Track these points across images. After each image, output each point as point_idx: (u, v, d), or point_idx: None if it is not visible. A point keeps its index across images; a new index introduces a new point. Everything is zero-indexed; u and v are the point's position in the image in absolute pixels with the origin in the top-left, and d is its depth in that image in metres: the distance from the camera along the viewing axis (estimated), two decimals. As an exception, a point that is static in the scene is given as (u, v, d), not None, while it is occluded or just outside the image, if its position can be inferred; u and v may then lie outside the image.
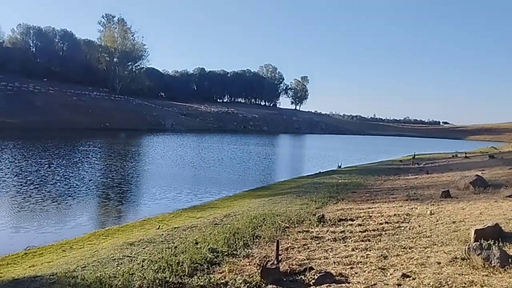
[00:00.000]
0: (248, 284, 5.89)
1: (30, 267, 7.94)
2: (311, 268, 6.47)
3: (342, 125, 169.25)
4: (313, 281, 5.87)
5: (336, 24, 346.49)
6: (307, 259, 7.07)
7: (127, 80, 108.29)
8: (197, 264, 6.90)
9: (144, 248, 8.24)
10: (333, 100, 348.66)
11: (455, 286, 5.36)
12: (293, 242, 8.31)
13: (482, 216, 9.46)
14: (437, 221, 9.55)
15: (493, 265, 5.93)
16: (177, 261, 6.95)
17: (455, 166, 26.87)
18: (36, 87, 79.02)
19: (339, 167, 30.88)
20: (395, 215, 10.62)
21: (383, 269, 6.30)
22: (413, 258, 6.72)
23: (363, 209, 11.74)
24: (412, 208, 11.45)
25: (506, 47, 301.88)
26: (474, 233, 7.04)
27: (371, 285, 5.56)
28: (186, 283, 6.08)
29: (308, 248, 7.88)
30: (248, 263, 7.01)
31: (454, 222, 9.13)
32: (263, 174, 29.26)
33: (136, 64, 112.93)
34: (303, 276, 6.20)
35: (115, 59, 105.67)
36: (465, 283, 5.43)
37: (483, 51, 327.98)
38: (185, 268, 6.62)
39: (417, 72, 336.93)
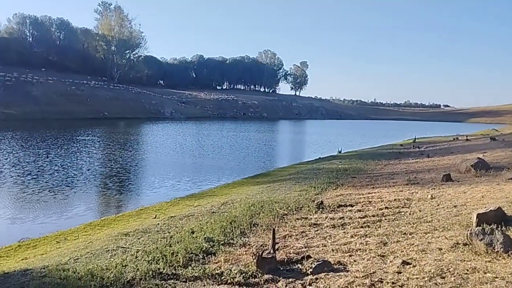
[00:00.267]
0: (243, 274, 5.71)
1: (22, 259, 7.79)
2: (308, 257, 6.29)
3: (343, 110, 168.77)
4: (311, 270, 5.69)
5: (334, 8, 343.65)
6: (305, 247, 6.89)
7: (125, 69, 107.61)
8: (192, 254, 6.72)
9: (139, 239, 8.07)
10: (333, 85, 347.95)
11: (457, 273, 5.17)
12: (291, 230, 8.13)
13: (484, 200, 9.28)
14: (438, 205, 9.37)
15: (496, 250, 5.74)
16: (171, 251, 6.77)
17: (456, 149, 26.68)
18: (35, 77, 78.44)
19: (340, 152, 30.66)
20: (395, 200, 10.43)
21: (383, 256, 6.12)
22: (413, 244, 6.53)
23: (363, 195, 11.55)
24: (412, 193, 11.26)
25: (506, 29, 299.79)
26: (476, 218, 6.86)
27: (370, 274, 5.38)
28: (180, 274, 5.91)
29: (306, 235, 7.70)
30: (244, 252, 6.83)
31: (455, 206, 8.95)
32: (263, 161, 29.09)
33: (134, 52, 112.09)
34: (300, 265, 6.01)
35: (112, 48, 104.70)
36: (467, 270, 5.25)
37: (484, 33, 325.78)
38: (179, 258, 6.45)
39: (417, 56, 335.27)
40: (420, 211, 8.98)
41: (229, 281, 5.60)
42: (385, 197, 10.87)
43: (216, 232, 7.92)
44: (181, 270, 6.06)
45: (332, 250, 6.61)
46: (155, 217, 10.78)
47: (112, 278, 5.68)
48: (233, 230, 8.12)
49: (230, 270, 5.89)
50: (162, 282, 5.66)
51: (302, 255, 6.39)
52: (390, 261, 5.84)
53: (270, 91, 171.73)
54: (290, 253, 6.59)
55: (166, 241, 7.58)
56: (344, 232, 7.69)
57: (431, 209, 9.00)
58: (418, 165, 18.74)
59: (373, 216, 8.81)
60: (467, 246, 6.08)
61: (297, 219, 9.00)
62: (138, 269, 6.02)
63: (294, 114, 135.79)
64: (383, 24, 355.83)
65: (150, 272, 5.90)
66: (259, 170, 23.33)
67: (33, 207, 14.70)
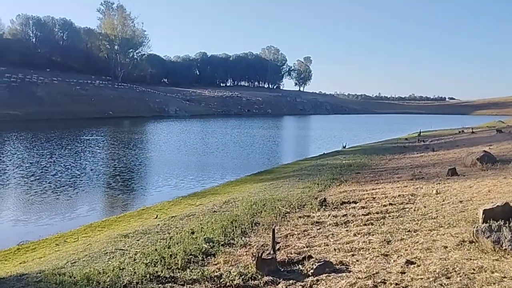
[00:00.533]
0: (243, 277, 5.56)
1: (20, 263, 7.68)
2: (310, 257, 6.12)
3: (347, 105, 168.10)
4: (312, 271, 5.52)
5: (337, 3, 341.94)
6: (307, 247, 6.73)
7: (129, 68, 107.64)
8: (191, 256, 6.58)
9: (138, 240, 7.94)
10: (337, 80, 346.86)
11: (463, 272, 4.99)
12: (293, 229, 7.97)
13: (491, 194, 9.07)
14: (443, 201, 9.17)
15: (504, 248, 5.54)
16: (170, 253, 6.63)
17: (462, 142, 26.40)
18: (40, 78, 78.69)
19: (344, 147, 30.44)
20: (399, 195, 10.24)
21: (386, 255, 5.94)
22: (418, 242, 6.35)
23: (366, 191, 11.36)
24: (417, 188, 11.06)
25: (510, 21, 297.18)
26: (483, 213, 6.64)
27: (373, 274, 5.21)
28: (178, 277, 5.77)
29: (308, 234, 7.53)
30: (245, 253, 6.68)
31: (461, 202, 8.75)
32: (267, 158, 28.93)
33: (137, 51, 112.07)
34: (301, 266, 5.85)
35: (116, 47, 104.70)
36: (473, 269, 5.07)
37: (489, 24, 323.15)
38: (178, 260, 6.30)
39: (422, 49, 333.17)
40: (424, 207, 8.78)
41: (228, 283, 5.45)
42: (389, 193, 10.68)
43: (216, 232, 7.78)
44: (179, 273, 5.92)
45: (334, 249, 6.44)
46: (156, 217, 10.66)
47: (108, 283, 5.55)
48: (234, 230, 7.98)
49: (229, 272, 5.74)
50: (159, 285, 5.52)
51: (303, 255, 6.22)
52: (394, 261, 5.66)
53: (274, 87, 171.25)
54: (291, 253, 6.43)
55: (166, 243, 7.44)
56: (347, 230, 7.51)
57: (436, 205, 8.80)
58: (423, 159, 18.51)
59: (377, 213, 8.63)
60: (473, 243, 5.89)
61: (300, 217, 8.83)
62: (135, 272, 5.88)
63: (298, 109, 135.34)
64: (387, 18, 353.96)
65: (148, 276, 5.77)
66: (262, 167, 23.16)
67: (35, 208, 14.63)
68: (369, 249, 6.28)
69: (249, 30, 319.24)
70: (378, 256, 5.90)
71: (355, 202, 9.94)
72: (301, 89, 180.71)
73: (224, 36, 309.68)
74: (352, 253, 6.21)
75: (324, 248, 6.57)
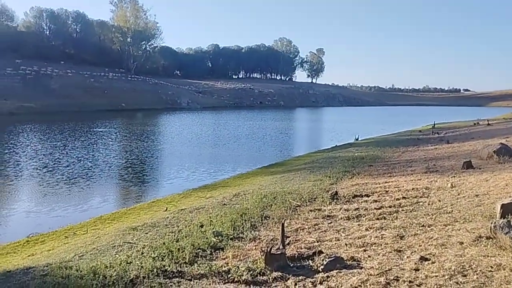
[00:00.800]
0: (251, 272, 5.42)
1: (29, 256, 7.66)
2: (320, 252, 5.97)
3: (360, 97, 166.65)
4: (322, 267, 5.37)
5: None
6: (317, 241, 6.57)
7: (142, 60, 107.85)
8: (199, 250, 6.47)
9: (146, 233, 7.86)
10: (350, 71, 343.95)
11: (480, 270, 4.79)
12: (304, 222, 7.81)
13: (508, 188, 8.81)
14: (458, 194, 8.93)
15: (523, 245, 5.32)
16: (178, 247, 6.53)
17: (477, 134, 25.95)
18: (54, 70, 79.35)
19: (356, 139, 30.13)
20: (413, 189, 10.02)
21: (399, 251, 5.76)
22: (432, 237, 6.15)
23: (379, 184, 11.15)
24: (431, 181, 10.82)
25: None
26: (500, 208, 6.42)
27: (386, 271, 5.04)
28: (186, 272, 5.66)
29: (319, 228, 7.37)
30: (254, 247, 6.55)
31: (477, 196, 8.50)
32: (279, 150, 28.76)
33: (149, 43, 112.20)
34: (311, 261, 5.70)
35: (128, 39, 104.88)
36: (491, 267, 4.86)
37: (505, 13, 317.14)
38: (186, 254, 6.20)
39: (436, 39, 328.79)
40: (439, 201, 8.56)
41: (236, 279, 5.32)
42: (403, 186, 10.46)
43: (225, 226, 7.66)
44: (186, 267, 5.81)
45: (346, 244, 6.28)
46: (165, 210, 10.58)
47: (114, 277, 5.47)
48: (243, 224, 7.85)
49: (238, 267, 5.61)
50: (166, 280, 5.42)
51: (313, 250, 6.07)
52: (407, 257, 5.48)
53: (287, 79, 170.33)
54: (301, 248, 6.28)
55: (174, 236, 7.35)
56: (358, 225, 7.34)
57: (451, 199, 8.57)
58: (437, 152, 18.19)
59: (390, 207, 8.43)
60: (490, 240, 5.67)
61: (310, 210, 8.67)
62: (142, 266, 5.79)
63: (311, 101, 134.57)
64: (401, 9, 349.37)
65: (155, 270, 5.67)
66: (274, 160, 22.99)
67: (48, 200, 14.69)
68: (381, 245, 6.10)
69: (261, 22, 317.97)
70: (391, 252, 5.72)
71: (367, 196, 9.74)
72: (314, 81, 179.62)
73: (236, 28, 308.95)
74: (364, 248, 6.04)
75: (335, 243, 6.41)
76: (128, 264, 5.95)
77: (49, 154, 24.19)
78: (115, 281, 5.38)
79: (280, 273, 5.35)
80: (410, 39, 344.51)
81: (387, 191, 10.03)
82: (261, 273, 5.40)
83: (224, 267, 5.71)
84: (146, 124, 49.39)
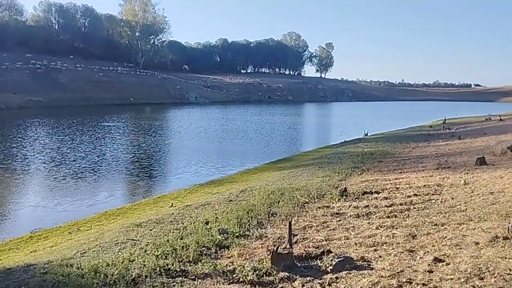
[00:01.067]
0: (257, 272, 5.22)
1: (31, 252, 7.52)
2: (329, 251, 5.75)
3: (369, 92, 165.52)
4: (331, 267, 5.15)
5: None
6: (326, 240, 6.35)
7: (150, 54, 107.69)
8: (204, 248, 6.28)
9: (151, 230, 7.68)
10: (359, 66, 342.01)
11: (498, 273, 4.54)
12: (312, 220, 7.59)
13: (524, 186, 8.51)
14: (472, 192, 8.65)
15: (542, 246, 5.07)
16: (182, 244, 6.35)
17: (489, 130, 25.52)
18: (64, 64, 79.62)
19: (366, 135, 29.78)
20: (424, 186, 9.75)
21: (412, 251, 5.52)
22: (446, 237, 5.90)
23: (389, 180, 10.89)
24: (443, 178, 10.53)
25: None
26: (517, 207, 6.16)
27: (398, 273, 4.81)
28: (189, 271, 5.47)
29: (327, 226, 7.15)
30: (260, 246, 6.34)
31: (491, 193, 8.22)
32: (287, 145, 28.53)
33: (158, 38, 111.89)
34: (319, 261, 5.48)
35: (137, 33, 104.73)
36: (509, 269, 4.61)
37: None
38: (190, 253, 6.01)
39: (447, 34, 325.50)
40: (452, 198, 8.29)
41: (241, 279, 5.12)
42: (414, 183, 10.19)
43: (231, 223, 7.46)
44: (190, 266, 5.63)
45: (355, 243, 6.05)
46: (171, 206, 10.41)
47: (116, 275, 5.30)
48: (250, 221, 7.65)
49: (243, 266, 5.41)
50: (169, 279, 5.24)
51: (322, 250, 5.85)
52: (420, 258, 5.24)
53: (295, 73, 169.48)
54: (309, 247, 6.06)
55: (179, 233, 7.17)
56: (368, 223, 7.10)
57: (464, 197, 8.30)
58: (449, 148, 17.86)
59: (401, 204, 8.18)
60: (507, 240, 5.42)
61: (319, 207, 8.44)
62: (145, 265, 5.62)
63: (319, 96, 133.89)
64: (410, 3, 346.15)
65: (158, 269, 5.49)
66: (282, 155, 22.76)
67: (54, 194, 14.62)
68: (392, 244, 5.87)
69: (270, 16, 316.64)
70: (402, 252, 5.49)
71: (377, 193, 9.49)
72: (323, 75, 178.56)
73: (245, 23, 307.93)
74: (374, 248, 5.81)
75: (344, 242, 6.18)
76: (130, 262, 5.77)
77: (57, 148, 24.18)
78: (116, 280, 5.21)
79: (287, 274, 5.15)
80: (420, 34, 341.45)
81: (397, 188, 9.77)
82: (267, 273, 5.20)
83: (229, 266, 5.51)
84: (154, 119, 49.34)
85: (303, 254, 5.77)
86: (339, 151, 20.05)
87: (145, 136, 31.42)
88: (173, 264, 5.65)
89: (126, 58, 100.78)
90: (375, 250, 5.69)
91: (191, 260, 5.82)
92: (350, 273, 4.97)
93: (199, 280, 5.20)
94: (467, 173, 10.84)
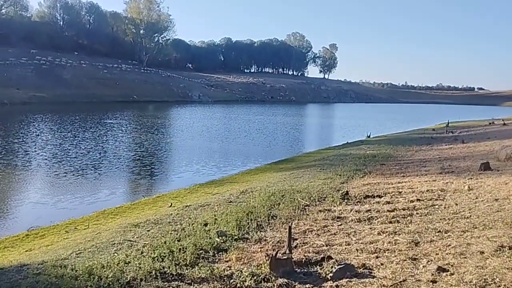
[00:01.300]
0: (255, 278, 5.08)
1: (26, 251, 7.40)
2: (329, 257, 5.60)
3: (372, 93, 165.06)
4: (331, 274, 5.00)
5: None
6: (326, 245, 6.21)
7: (154, 52, 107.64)
8: (202, 251, 6.15)
9: (148, 231, 7.55)
10: (363, 68, 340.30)
11: (505, 285, 4.39)
12: (312, 224, 7.45)
13: (530, 193, 8.34)
14: (476, 198, 8.48)
15: (550, 257, 4.91)
16: (180, 247, 6.22)
17: (493, 134, 25.30)
18: (68, 61, 79.67)
19: (368, 137, 29.62)
20: (428, 191, 9.59)
21: (415, 259, 5.37)
22: (450, 245, 5.74)
23: (392, 184, 10.73)
24: (447, 183, 10.37)
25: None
26: (523, 216, 6.00)
27: (400, 282, 4.66)
28: (186, 275, 5.34)
29: (328, 231, 7.00)
30: (259, 249, 6.21)
31: (496, 200, 8.05)
32: (289, 146, 28.37)
33: (162, 36, 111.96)
34: (319, 268, 5.34)
35: (141, 31, 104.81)
36: (516, 281, 4.46)
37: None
38: (187, 256, 5.87)
39: (451, 37, 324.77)
40: (456, 204, 8.13)
41: (238, 284, 4.99)
42: (417, 188, 10.03)
43: (230, 225, 7.32)
44: (187, 269, 5.49)
45: (357, 249, 5.90)
46: (170, 206, 10.28)
47: (110, 278, 5.16)
48: (249, 223, 7.51)
49: (241, 271, 5.28)
50: (164, 283, 5.10)
51: (322, 255, 5.71)
52: (423, 266, 5.09)
53: (299, 74, 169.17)
54: (309, 252, 5.92)
55: (176, 235, 7.03)
56: (370, 228, 6.95)
57: (468, 203, 8.14)
58: (452, 152, 17.68)
59: (403, 209, 8.02)
60: (514, 250, 5.26)
61: (320, 211, 8.30)
62: (140, 267, 5.48)
63: (322, 97, 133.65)
64: (414, 3, 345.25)
65: (153, 272, 5.36)
66: (284, 155, 22.62)
67: (54, 191, 14.50)
68: (395, 251, 5.72)
69: (274, 16, 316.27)
70: (405, 260, 5.33)
71: (379, 196, 9.34)
72: (326, 76, 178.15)
73: (249, 22, 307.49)
74: (376, 254, 5.66)
75: (345, 248, 6.04)
76: (126, 265, 5.64)
77: (59, 145, 24.11)
78: (110, 283, 5.08)
79: (285, 280, 5.01)
80: (424, 37, 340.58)
81: (400, 192, 9.62)
82: (266, 279, 5.06)
83: (227, 271, 5.38)
84: (157, 117, 49.25)
85: (303, 260, 5.63)
86: (341, 153, 19.90)
87: (147, 134, 31.31)
88: (169, 267, 5.52)
89: (130, 55, 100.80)
90: (377, 257, 5.54)
91: (188, 263, 5.69)
92: (350, 281, 4.83)
93: (195, 285, 5.07)
94: (471, 179, 10.67)
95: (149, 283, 5.09)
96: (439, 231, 6.46)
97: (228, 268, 5.46)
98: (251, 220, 7.70)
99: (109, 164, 19.42)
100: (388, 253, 5.68)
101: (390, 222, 7.22)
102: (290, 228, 5.88)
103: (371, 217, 7.64)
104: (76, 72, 77.35)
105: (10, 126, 33.01)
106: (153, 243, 6.60)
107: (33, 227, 9.30)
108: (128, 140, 28.10)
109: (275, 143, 29.42)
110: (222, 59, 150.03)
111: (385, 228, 6.84)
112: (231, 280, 5.10)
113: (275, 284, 4.93)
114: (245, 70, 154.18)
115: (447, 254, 5.43)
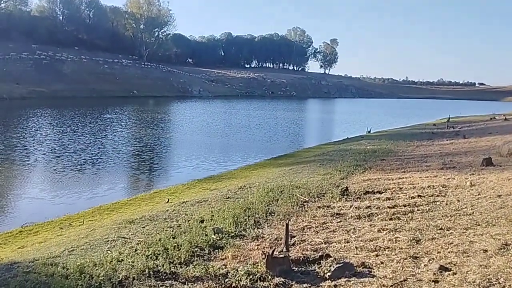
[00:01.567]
0: (251, 277, 4.92)
1: (19, 248, 7.24)
2: (328, 256, 5.44)
3: (373, 89, 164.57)
4: (329, 273, 4.84)
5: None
6: (325, 243, 6.04)
7: (154, 47, 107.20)
8: (197, 249, 5.99)
9: (143, 227, 7.39)
10: (363, 63, 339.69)
11: (509, 285, 4.23)
12: (311, 220, 7.28)
13: (534, 189, 8.16)
14: (479, 194, 8.31)
15: (556, 255, 4.74)
16: (175, 244, 6.06)
17: (495, 129, 25.11)
18: (69, 56, 79.36)
19: (369, 132, 29.42)
20: (429, 186, 9.41)
21: (416, 257, 5.21)
22: (452, 243, 5.58)
23: (392, 180, 10.56)
24: (448, 179, 10.19)
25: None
26: (528, 212, 5.83)
27: (401, 282, 4.50)
28: (180, 274, 5.18)
29: (327, 227, 6.84)
30: (256, 247, 6.05)
31: (499, 196, 7.88)
32: (289, 141, 28.22)
33: (162, 31, 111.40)
34: (317, 266, 5.18)
35: (141, 26, 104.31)
36: (521, 281, 4.30)
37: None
38: (182, 253, 5.72)
39: (452, 32, 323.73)
40: (458, 201, 7.96)
41: (233, 284, 4.83)
42: (418, 183, 9.86)
43: (227, 222, 7.15)
44: (181, 268, 5.33)
45: (356, 247, 5.74)
46: (167, 202, 10.12)
47: (102, 277, 5.01)
48: (247, 220, 7.34)
49: (237, 270, 5.12)
50: (158, 282, 4.95)
51: (320, 253, 5.54)
52: (425, 265, 4.92)
53: (299, 69, 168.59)
54: (307, 250, 5.76)
55: (172, 231, 6.87)
56: (370, 225, 6.79)
57: (471, 199, 7.96)
58: (454, 147, 17.50)
59: (404, 206, 7.85)
60: (518, 248, 5.10)
61: (319, 207, 8.13)
62: (133, 266, 5.33)
63: (323, 92, 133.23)
64: (414, 1, 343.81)
65: (147, 270, 5.20)
66: (284, 151, 22.45)
67: (50, 186, 14.37)
68: (395, 249, 5.55)
69: (275, 11, 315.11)
70: (406, 259, 5.17)
71: (380, 192, 9.17)
72: (327, 71, 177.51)
73: (249, 17, 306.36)
74: (376, 253, 5.49)
75: (344, 246, 5.87)
76: (119, 263, 5.49)
77: (57, 140, 23.99)
78: (102, 282, 4.92)
79: (282, 279, 4.85)
80: (424, 32, 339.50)
81: (401, 188, 9.45)
82: (262, 278, 4.90)
83: (222, 269, 5.22)
84: (157, 112, 49.07)
85: (301, 258, 5.47)
86: (342, 148, 19.72)
87: (147, 129, 31.16)
88: (163, 266, 5.36)
89: (130, 50, 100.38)
90: (377, 256, 5.38)
91: (182, 261, 5.53)
92: (349, 281, 4.67)
93: (190, 284, 4.92)
94: (473, 174, 10.49)
95: (141, 282, 4.93)
96: (441, 228, 6.29)
97: (224, 267, 5.30)
98: (248, 216, 7.54)
99: (108, 159, 19.28)
100: (388, 251, 5.52)
101: (391, 219, 7.06)
102: (287, 225, 5.70)
103: (371, 213, 7.48)
104: (76, 67, 77.00)
105: (9, 121, 32.87)
106: (148, 240, 6.44)
107: (27, 223, 9.13)
108: (127, 135, 27.94)
109: (275, 138, 29.27)
110: (223, 54, 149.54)
111: (385, 225, 6.67)
112: (226, 279, 4.94)
113: (272, 284, 4.78)
114: (246, 65, 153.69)
115: (449, 252, 5.27)
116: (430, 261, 5.01)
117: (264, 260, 5.11)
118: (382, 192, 9.17)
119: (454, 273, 4.62)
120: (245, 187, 10.85)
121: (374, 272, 4.87)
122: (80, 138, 24.86)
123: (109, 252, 6.02)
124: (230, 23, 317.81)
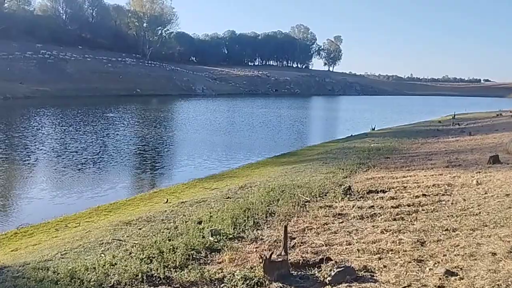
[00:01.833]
0: (248, 282, 4.71)
1: (12, 251, 7.07)
2: (328, 259, 5.22)
3: (378, 86, 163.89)
4: (329, 278, 4.63)
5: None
6: (326, 245, 5.82)
7: (157, 45, 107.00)
8: (193, 251, 5.78)
9: (140, 229, 7.19)
10: (368, 60, 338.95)
11: (520, 292, 4.00)
12: (312, 221, 7.06)
13: (543, 188, 7.90)
14: (485, 193, 8.06)
15: None
16: (170, 247, 5.85)
17: (501, 126, 24.77)
18: (72, 55, 79.37)
19: (373, 129, 29.15)
20: (434, 185, 9.17)
21: (420, 261, 4.98)
22: (458, 245, 5.34)
23: (396, 178, 10.31)
24: (454, 177, 9.93)
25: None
26: (537, 213, 5.58)
27: (405, 287, 4.27)
28: (174, 278, 4.98)
29: (328, 229, 6.62)
30: (254, 250, 5.84)
31: (507, 195, 7.62)
32: (293, 139, 27.99)
33: (165, 29, 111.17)
34: (317, 270, 4.96)
35: (144, 24, 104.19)
36: (533, 287, 4.06)
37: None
38: (177, 257, 5.51)
39: (456, 28, 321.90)
40: (464, 200, 7.71)
41: (229, 289, 4.62)
42: (422, 182, 9.61)
43: (225, 223, 6.94)
44: (176, 272, 5.13)
45: (358, 250, 5.51)
46: (166, 202, 9.92)
47: (93, 282, 4.82)
48: (246, 221, 7.12)
49: (233, 274, 4.91)
50: (150, 287, 4.75)
51: (321, 256, 5.32)
52: (430, 269, 4.69)
53: (303, 67, 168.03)
54: (307, 253, 5.54)
55: (168, 233, 6.67)
56: (373, 226, 6.56)
57: (477, 198, 7.71)
58: (459, 144, 17.21)
59: (408, 205, 7.61)
60: (528, 251, 4.86)
61: (321, 207, 7.90)
62: (126, 270, 5.13)
63: (327, 90, 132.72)
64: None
65: (140, 275, 5.01)
66: (287, 149, 22.21)
67: (50, 186, 14.21)
68: (399, 252, 5.32)
69: (278, 8, 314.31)
70: (410, 262, 4.94)
71: (383, 192, 8.93)
72: (331, 69, 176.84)
73: (253, 14, 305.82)
74: (378, 255, 5.26)
75: (346, 248, 5.65)
76: (111, 267, 5.29)
77: (60, 139, 23.88)
78: (92, 287, 4.73)
79: (280, 284, 4.64)
80: (429, 28, 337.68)
81: (405, 187, 9.20)
82: (259, 283, 4.69)
83: (218, 273, 5.01)
84: (160, 110, 48.91)
85: (300, 261, 5.25)
86: (345, 146, 19.47)
87: (150, 128, 31.01)
88: (157, 270, 5.16)
89: (134, 49, 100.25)
90: (380, 259, 5.15)
91: (177, 265, 5.33)
92: (350, 286, 4.46)
93: (184, 289, 4.71)
94: (480, 172, 10.23)
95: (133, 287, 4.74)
96: (447, 230, 6.06)
97: (220, 271, 5.09)
98: (247, 217, 7.32)
99: (110, 158, 19.13)
100: (391, 254, 5.29)
101: (394, 219, 6.83)
102: (286, 228, 5.47)
103: (374, 213, 7.25)
104: (79, 66, 76.96)
105: (12, 120, 32.79)
106: (143, 242, 6.24)
107: (22, 224, 8.95)
108: (130, 134, 27.78)
109: (278, 136, 29.05)
110: (226, 52, 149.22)
111: (388, 226, 6.44)
112: (222, 285, 4.75)
113: (269, 289, 4.57)
114: (249, 63, 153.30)
115: (455, 255, 5.03)
116: (436, 265, 4.78)
117: (262, 264, 4.90)
118: (386, 191, 8.93)
119: (461, 278, 4.39)
120: (246, 186, 10.64)
121: (376, 276, 4.65)
122: (82, 137, 24.72)
123: (102, 255, 5.82)
124: (234, 21, 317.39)
